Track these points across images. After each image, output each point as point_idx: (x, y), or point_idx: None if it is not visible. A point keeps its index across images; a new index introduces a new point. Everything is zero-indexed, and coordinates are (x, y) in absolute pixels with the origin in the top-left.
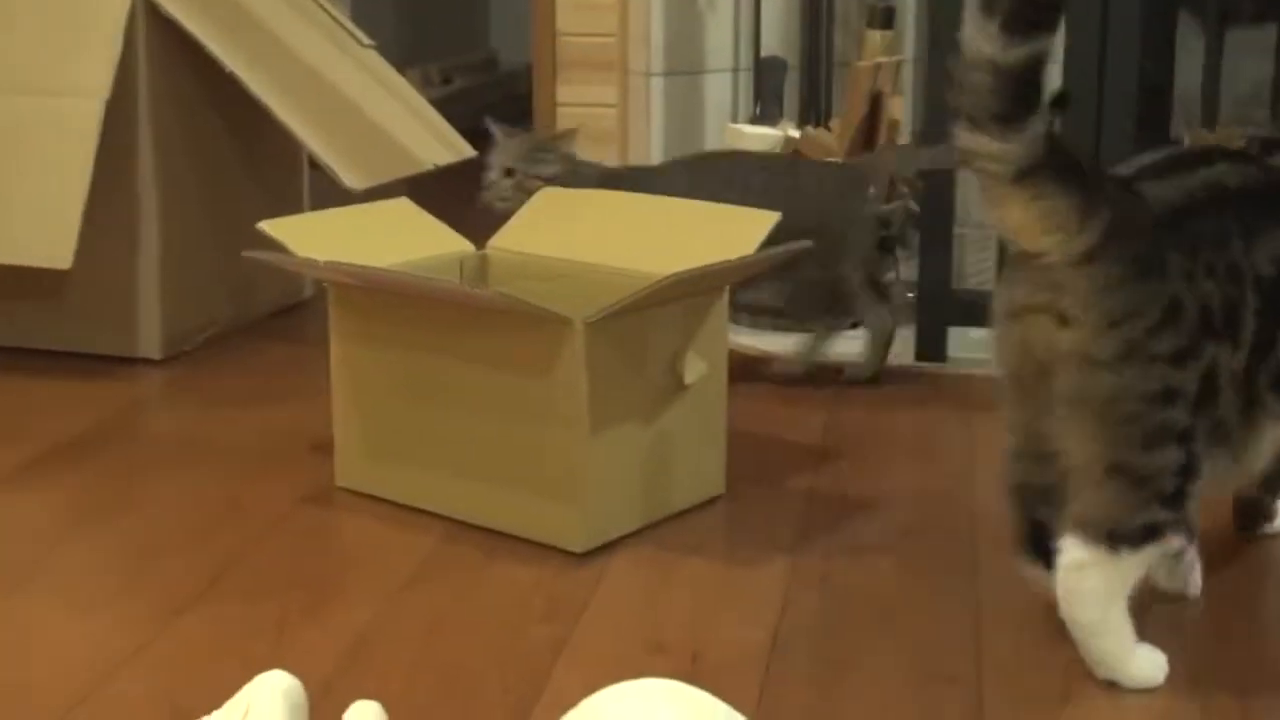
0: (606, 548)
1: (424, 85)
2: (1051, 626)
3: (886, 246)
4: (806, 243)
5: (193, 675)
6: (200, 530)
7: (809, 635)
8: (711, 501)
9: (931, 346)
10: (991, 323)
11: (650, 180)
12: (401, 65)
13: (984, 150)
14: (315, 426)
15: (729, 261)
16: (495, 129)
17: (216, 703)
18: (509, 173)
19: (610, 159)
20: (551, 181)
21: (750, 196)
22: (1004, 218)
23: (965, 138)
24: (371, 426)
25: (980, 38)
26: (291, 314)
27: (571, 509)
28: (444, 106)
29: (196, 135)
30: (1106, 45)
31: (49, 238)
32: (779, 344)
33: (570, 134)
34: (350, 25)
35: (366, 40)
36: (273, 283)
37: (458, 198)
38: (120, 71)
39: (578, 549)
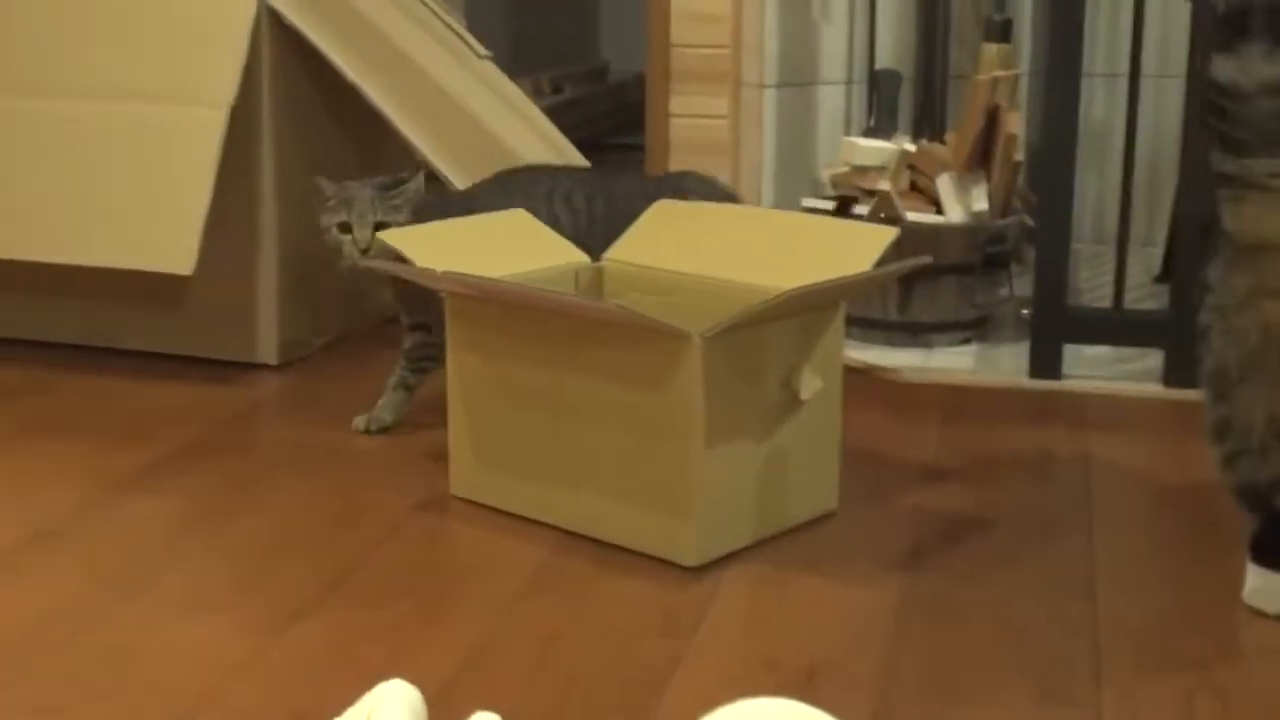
0: (719, 562)
1: (535, 94)
2: (1171, 648)
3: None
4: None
5: (309, 681)
6: (317, 536)
7: (922, 655)
8: (824, 517)
9: (1046, 364)
10: (1208, 315)
11: (468, 203)
12: (513, 74)
13: (1268, 170)
14: (430, 434)
15: (847, 277)
16: (323, 184)
17: (333, 709)
18: (377, 226)
19: (722, 171)
20: (406, 222)
21: (575, 215)
22: None
23: (1241, 164)
24: (485, 436)
25: (1248, 65)
26: None
27: (685, 523)
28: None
29: (315, 143)
30: None
31: (172, 244)
32: (891, 358)
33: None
34: (467, 35)
35: (483, 51)
36: (387, 290)
37: None
38: (244, 80)
39: (690, 563)
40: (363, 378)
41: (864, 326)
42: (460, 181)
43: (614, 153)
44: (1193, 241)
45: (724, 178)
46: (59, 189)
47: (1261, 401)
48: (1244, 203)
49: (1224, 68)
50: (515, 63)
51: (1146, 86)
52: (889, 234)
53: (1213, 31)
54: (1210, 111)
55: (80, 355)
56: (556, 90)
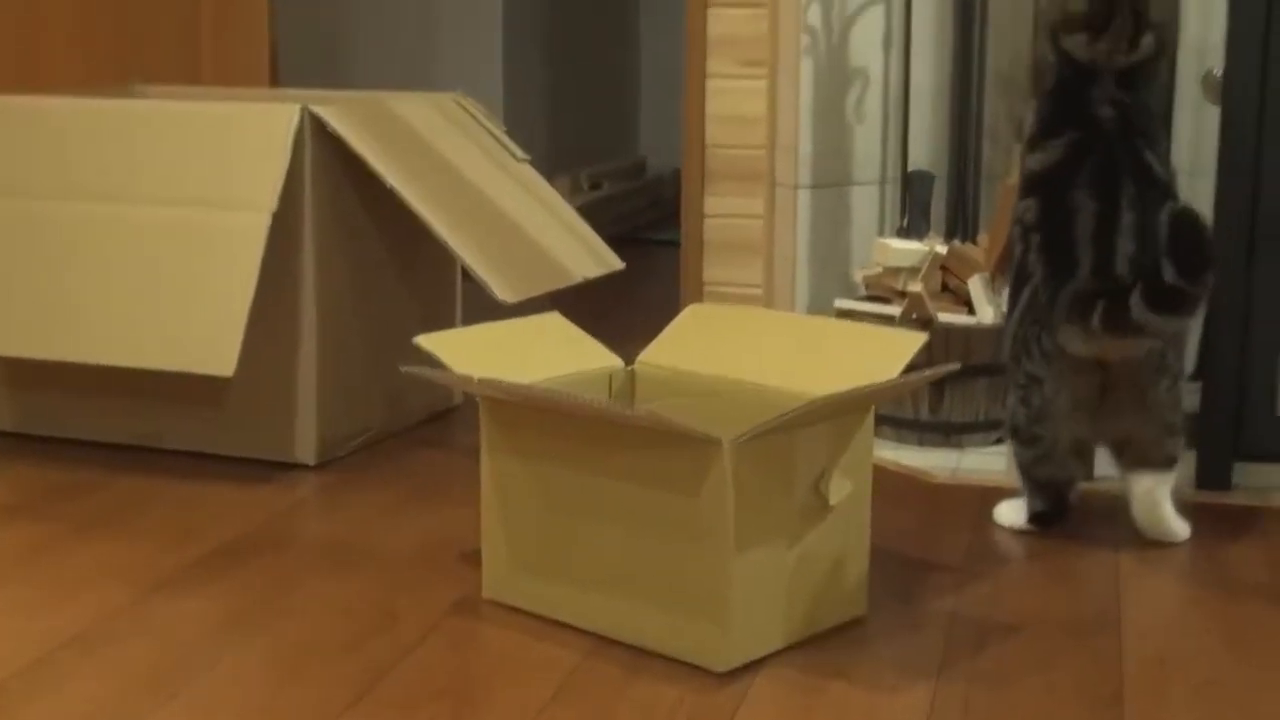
0: (749, 667)
1: (573, 190)
2: None
3: None
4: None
5: None
6: (351, 639)
7: None
8: (854, 622)
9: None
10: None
11: None
12: (551, 170)
13: None
14: (465, 535)
15: (877, 384)
16: None
17: None
18: None
19: (755, 271)
20: None
21: None
22: None
23: None
24: (518, 539)
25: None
26: (442, 420)
27: (715, 628)
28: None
29: (356, 246)
30: (1261, 157)
31: (213, 346)
32: (922, 459)
33: None
34: (506, 140)
35: (521, 154)
36: (424, 390)
37: (604, 307)
38: (287, 184)
39: (720, 668)
40: (399, 478)
41: (896, 426)
42: (497, 285)
43: (652, 248)
44: (1224, 344)
45: (758, 277)
46: (104, 292)
47: (1067, 430)
48: None
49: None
50: (555, 160)
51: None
52: (918, 339)
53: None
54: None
55: (126, 455)
56: (595, 186)
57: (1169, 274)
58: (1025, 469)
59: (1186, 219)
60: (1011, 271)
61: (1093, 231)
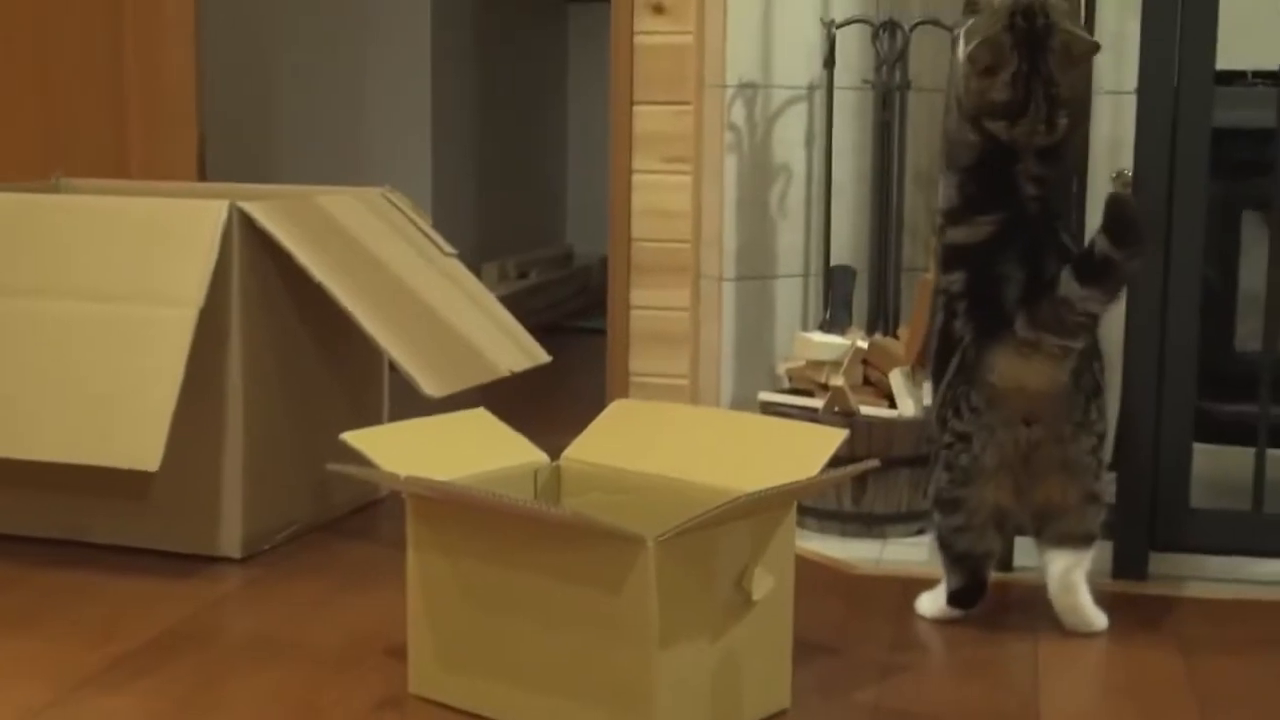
0: None
1: (501, 279)
2: None
3: None
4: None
5: None
6: None
7: None
8: (778, 715)
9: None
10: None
11: None
12: (479, 259)
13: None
14: (392, 628)
15: (800, 481)
16: None
17: None
18: None
19: (681, 362)
20: None
21: None
22: None
23: None
24: (445, 635)
25: None
26: (369, 512)
27: None
28: (520, 300)
29: (283, 341)
30: (1171, 251)
31: (138, 440)
32: (846, 550)
33: None
34: (434, 234)
35: (449, 249)
36: (351, 483)
37: (532, 398)
38: (214, 279)
39: None
40: (325, 571)
41: (819, 517)
42: (424, 380)
43: (579, 336)
44: (1139, 436)
45: (684, 368)
46: (29, 386)
47: (991, 494)
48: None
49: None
50: (483, 248)
51: None
52: (839, 436)
53: None
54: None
55: (47, 549)
56: (522, 275)
57: (1101, 245)
58: (945, 541)
59: (1123, 198)
60: (935, 341)
61: (1020, 296)
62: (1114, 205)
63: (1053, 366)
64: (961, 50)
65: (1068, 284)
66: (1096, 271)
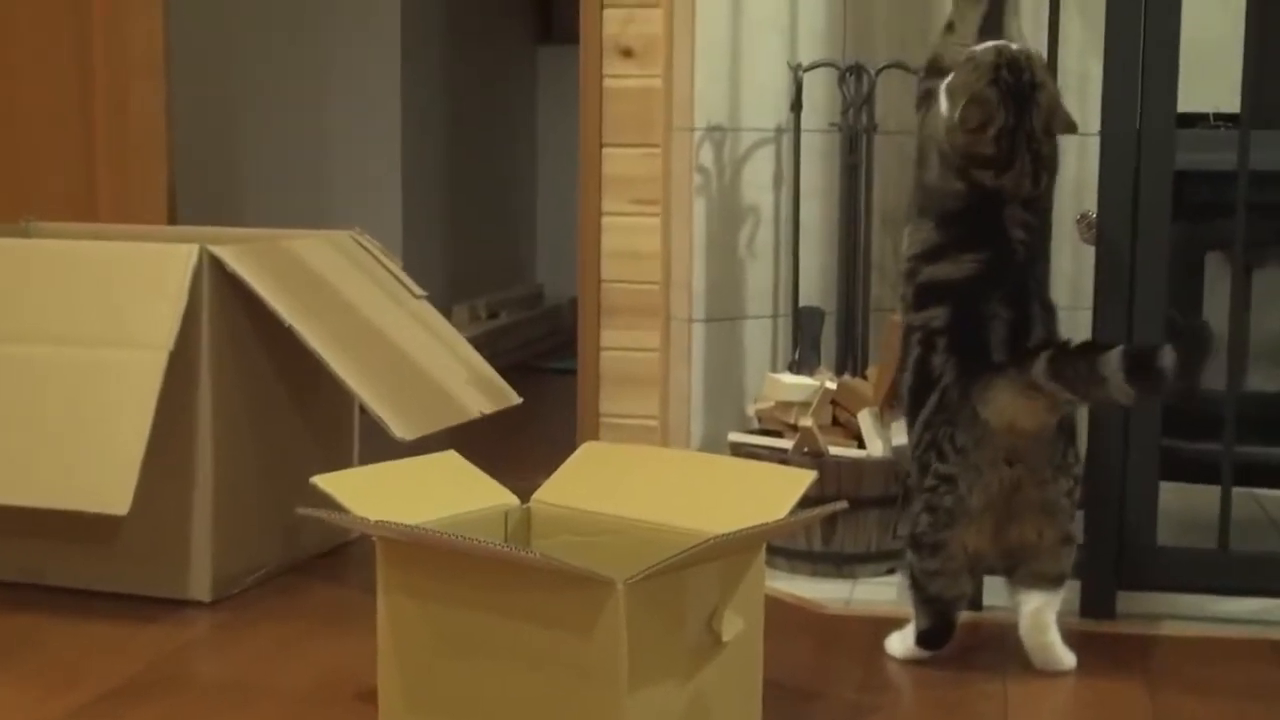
0: None
1: (471, 319)
2: None
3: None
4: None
5: None
6: None
7: None
8: None
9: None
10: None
11: None
12: (450, 299)
13: None
14: (363, 671)
15: (769, 524)
16: None
17: None
18: None
19: (651, 403)
20: None
21: None
22: None
23: None
24: (414, 679)
25: None
26: (339, 555)
27: None
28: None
29: (253, 384)
30: (1135, 292)
31: (107, 484)
32: (816, 590)
33: None
34: (404, 277)
35: (419, 291)
36: (321, 525)
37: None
38: (184, 323)
39: None
40: (294, 614)
41: (789, 557)
42: (394, 423)
43: (549, 376)
44: (1106, 475)
45: (654, 409)
46: None
47: (972, 539)
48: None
49: None
50: (453, 289)
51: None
52: (808, 477)
53: None
54: None
55: (11, 592)
56: (493, 315)
57: (1167, 360)
58: (919, 583)
59: (1209, 333)
60: (910, 378)
61: (1005, 336)
62: (1198, 339)
63: (1049, 412)
64: (945, 108)
65: (1113, 371)
66: (1146, 378)
